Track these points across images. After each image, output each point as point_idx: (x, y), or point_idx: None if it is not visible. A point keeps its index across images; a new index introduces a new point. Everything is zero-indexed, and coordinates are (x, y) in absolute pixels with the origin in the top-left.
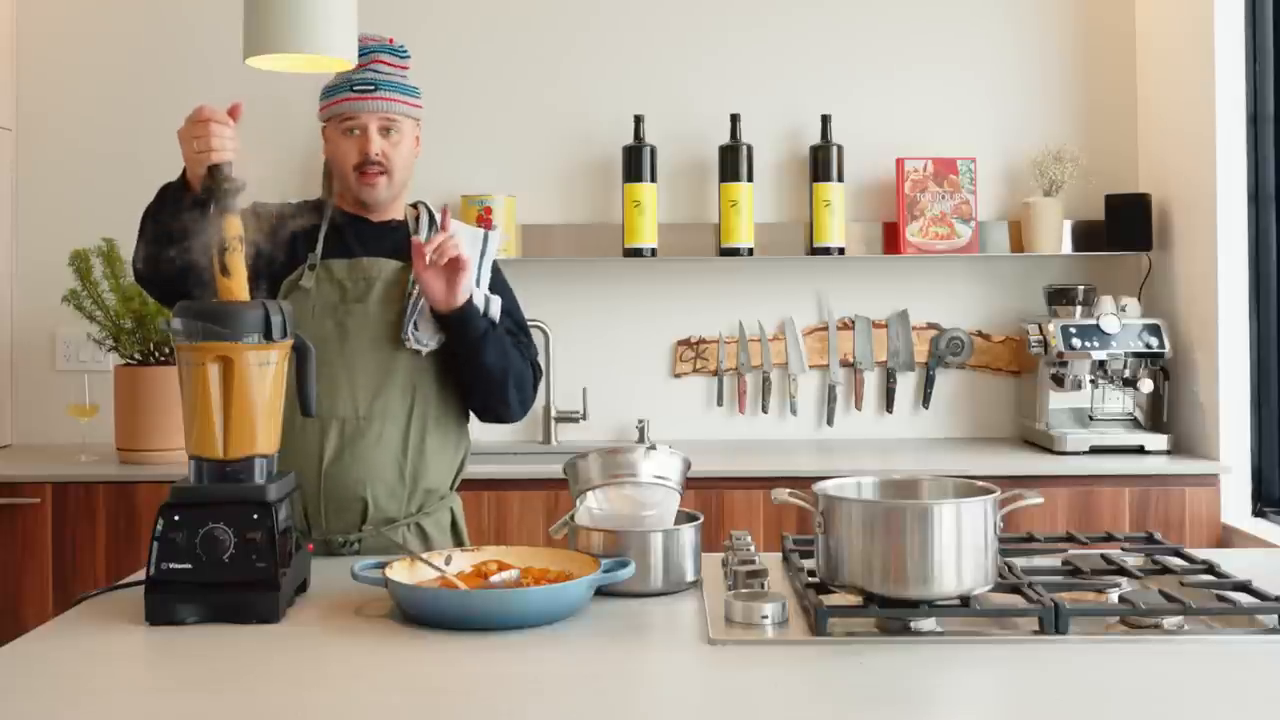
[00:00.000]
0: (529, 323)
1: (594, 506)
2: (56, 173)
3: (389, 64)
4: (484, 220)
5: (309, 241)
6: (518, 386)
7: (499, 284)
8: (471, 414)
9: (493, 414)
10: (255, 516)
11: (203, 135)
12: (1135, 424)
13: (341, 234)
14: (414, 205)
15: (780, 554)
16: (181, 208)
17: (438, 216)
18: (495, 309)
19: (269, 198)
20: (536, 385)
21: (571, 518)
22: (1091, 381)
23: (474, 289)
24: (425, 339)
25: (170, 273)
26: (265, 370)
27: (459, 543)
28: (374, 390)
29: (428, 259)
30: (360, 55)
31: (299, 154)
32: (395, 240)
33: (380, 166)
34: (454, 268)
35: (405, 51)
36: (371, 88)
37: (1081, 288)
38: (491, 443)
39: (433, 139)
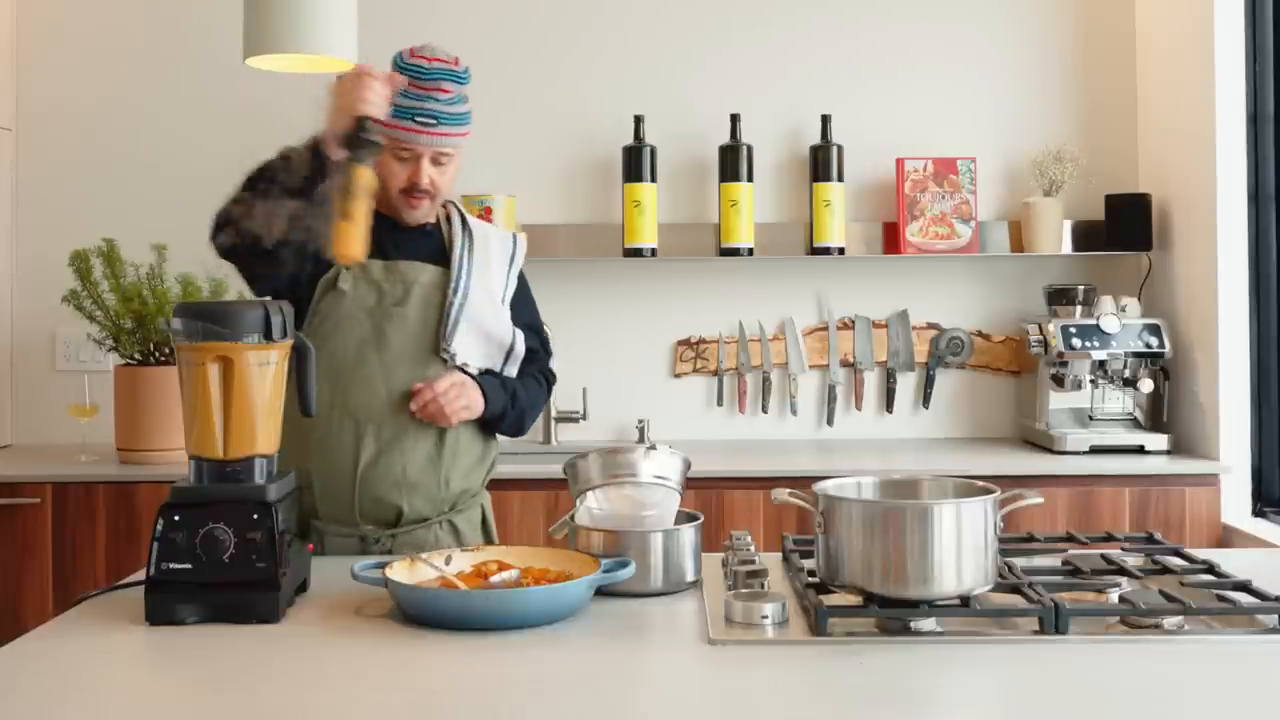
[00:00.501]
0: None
1: (594, 506)
2: (56, 173)
3: (451, 92)
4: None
5: None
6: (532, 418)
7: (522, 295)
8: None
9: (515, 435)
10: (255, 516)
11: (362, 88)
12: (1135, 424)
13: (376, 234)
14: (444, 205)
15: (780, 554)
16: (307, 168)
17: (470, 222)
18: (518, 351)
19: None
20: (550, 393)
21: (572, 518)
22: (1091, 381)
23: (485, 397)
24: (463, 354)
25: (271, 236)
26: (265, 370)
27: (489, 538)
28: (410, 391)
29: (415, 406)
30: (426, 78)
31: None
32: (430, 244)
33: (428, 194)
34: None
35: (467, 76)
36: (433, 122)
37: (1081, 288)
38: None
39: None
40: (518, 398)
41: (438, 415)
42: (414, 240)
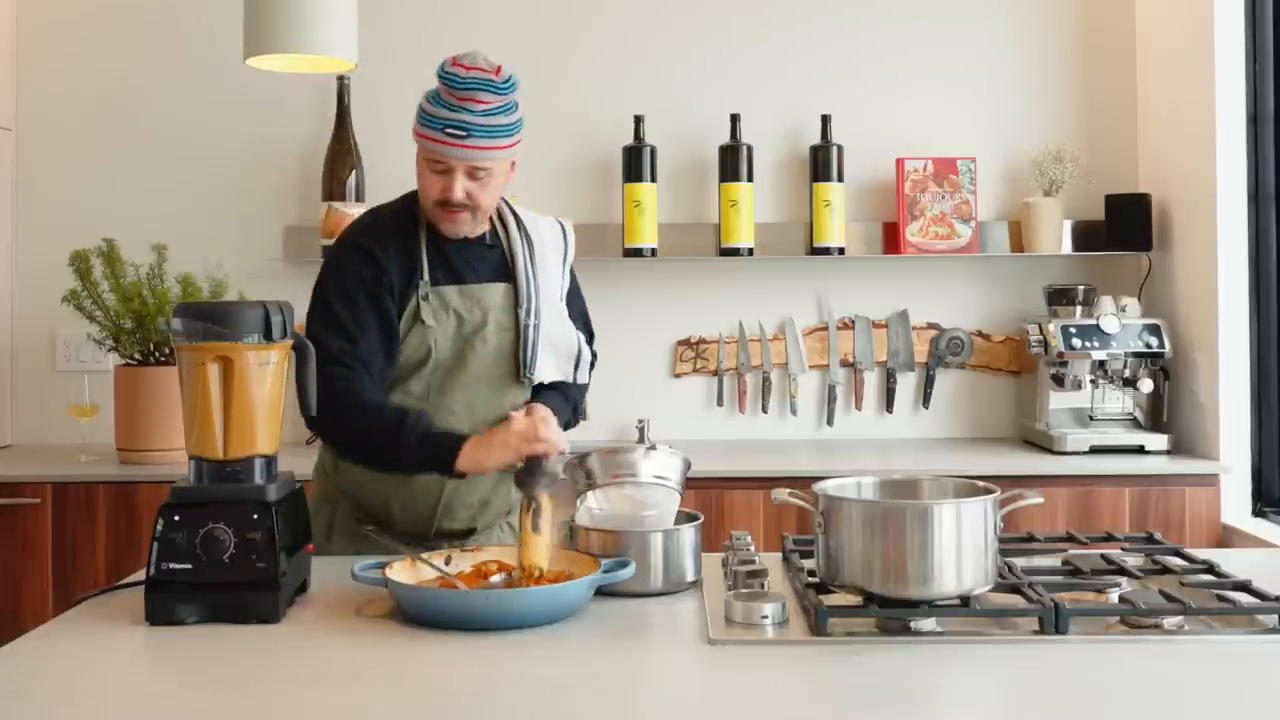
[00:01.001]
0: None
1: (594, 506)
2: (56, 173)
3: (487, 103)
4: None
5: (410, 259)
6: (575, 415)
7: (574, 289)
8: None
9: None
10: (255, 516)
11: (543, 436)
12: (1135, 424)
13: (443, 254)
14: (499, 214)
15: (780, 554)
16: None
17: (523, 222)
18: (585, 357)
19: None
20: (592, 370)
21: (572, 518)
22: (1091, 381)
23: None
24: (540, 374)
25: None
26: (265, 370)
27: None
28: (492, 421)
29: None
30: (459, 89)
31: (297, 154)
32: (495, 258)
33: (463, 207)
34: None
35: (509, 85)
36: (463, 134)
37: (1081, 288)
38: None
39: None
40: (578, 408)
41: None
42: (481, 258)
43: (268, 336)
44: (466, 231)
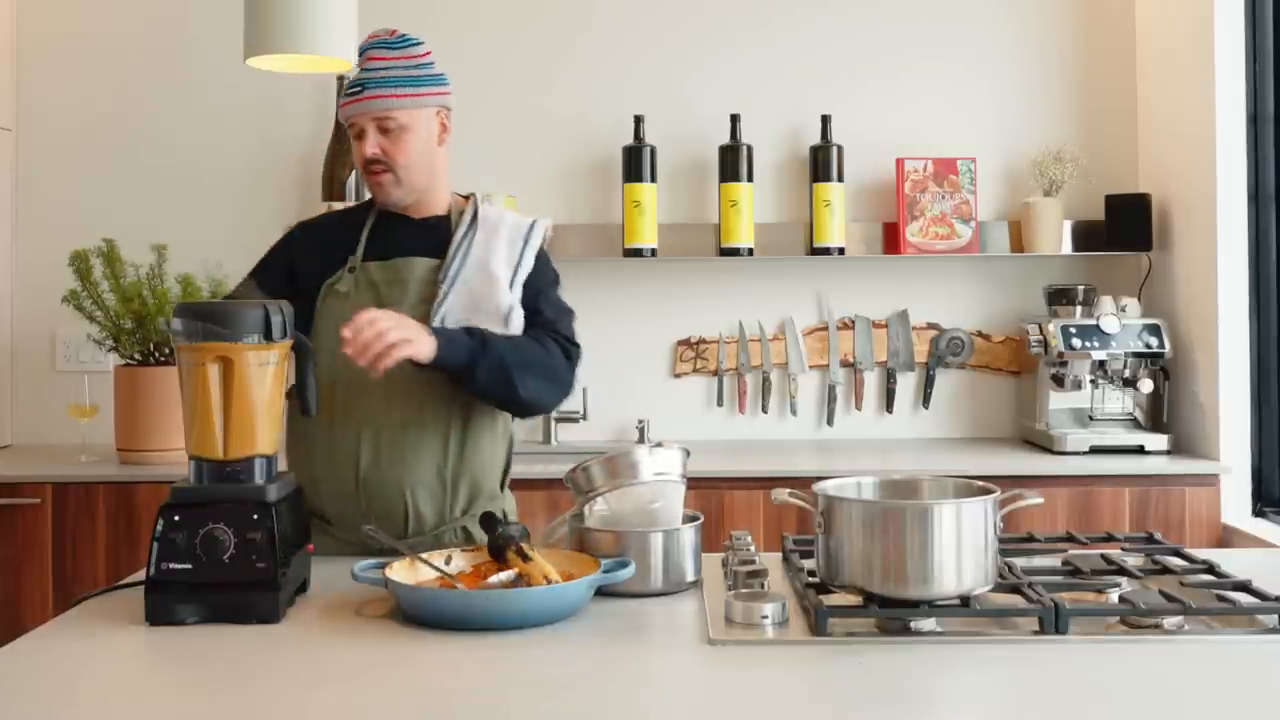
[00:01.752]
0: None
1: (602, 510)
2: (56, 173)
3: (382, 59)
4: None
5: (347, 243)
6: (543, 377)
7: (540, 272)
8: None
9: (519, 412)
10: (255, 517)
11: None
12: (1135, 424)
13: (383, 235)
14: (466, 196)
15: (780, 554)
16: None
17: (485, 214)
18: (517, 318)
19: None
20: (573, 364)
21: (563, 523)
22: (1091, 381)
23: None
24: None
25: None
26: (265, 370)
27: None
28: (410, 395)
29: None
30: (360, 55)
31: (297, 154)
32: (437, 237)
33: (381, 165)
34: (385, 355)
35: (404, 41)
36: (359, 89)
37: (1081, 288)
38: None
39: None
40: (492, 347)
41: (371, 351)
42: (420, 236)
43: (268, 336)
44: (393, 196)
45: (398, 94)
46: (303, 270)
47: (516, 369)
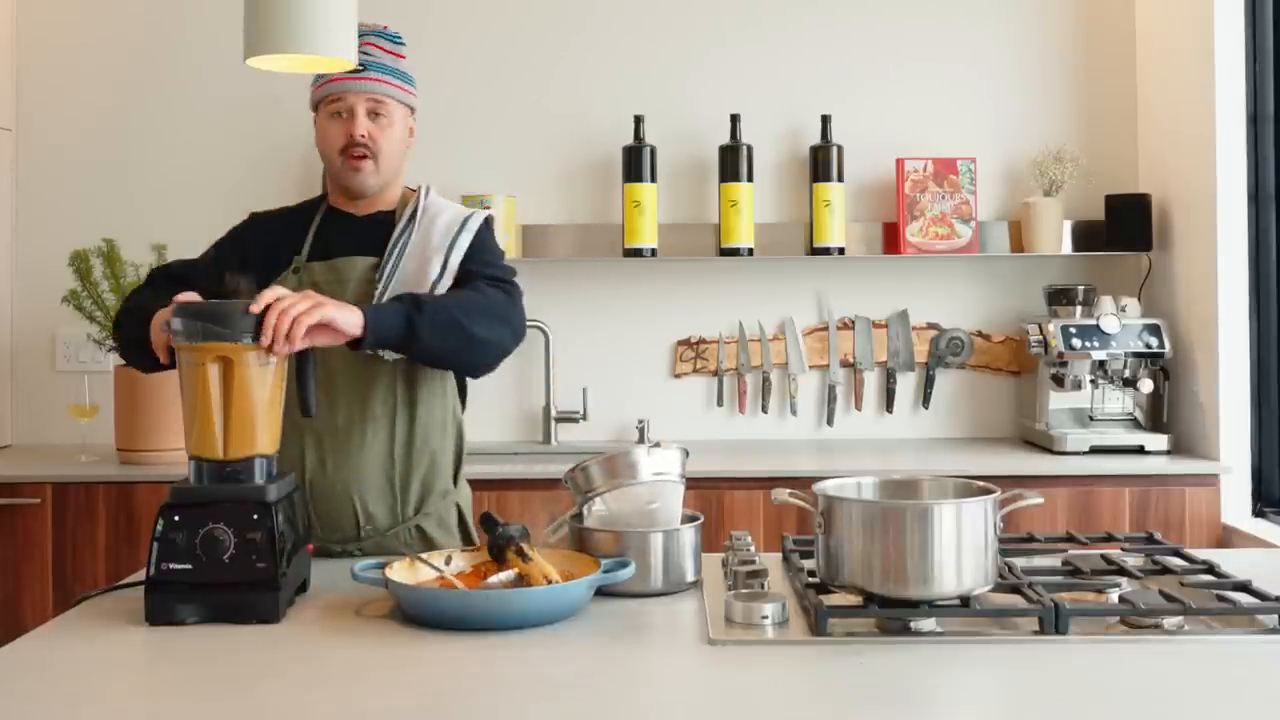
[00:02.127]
0: (529, 323)
1: (601, 510)
2: (56, 173)
3: (381, 48)
4: None
5: (291, 243)
6: (490, 317)
7: (476, 249)
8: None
9: (476, 361)
10: (255, 517)
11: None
12: (1135, 424)
13: (328, 233)
14: (411, 190)
15: (780, 554)
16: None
17: (425, 205)
18: (425, 285)
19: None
20: (514, 300)
21: (563, 523)
22: (1091, 381)
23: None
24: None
25: None
26: (265, 370)
27: (468, 538)
28: (354, 395)
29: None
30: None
31: (298, 154)
32: (379, 235)
33: (366, 150)
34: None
35: (400, 38)
36: (360, 68)
37: (1081, 288)
38: (491, 443)
39: (433, 139)
40: (427, 302)
41: (279, 332)
42: (362, 234)
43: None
44: (370, 184)
45: (395, 84)
46: (252, 263)
47: (460, 312)
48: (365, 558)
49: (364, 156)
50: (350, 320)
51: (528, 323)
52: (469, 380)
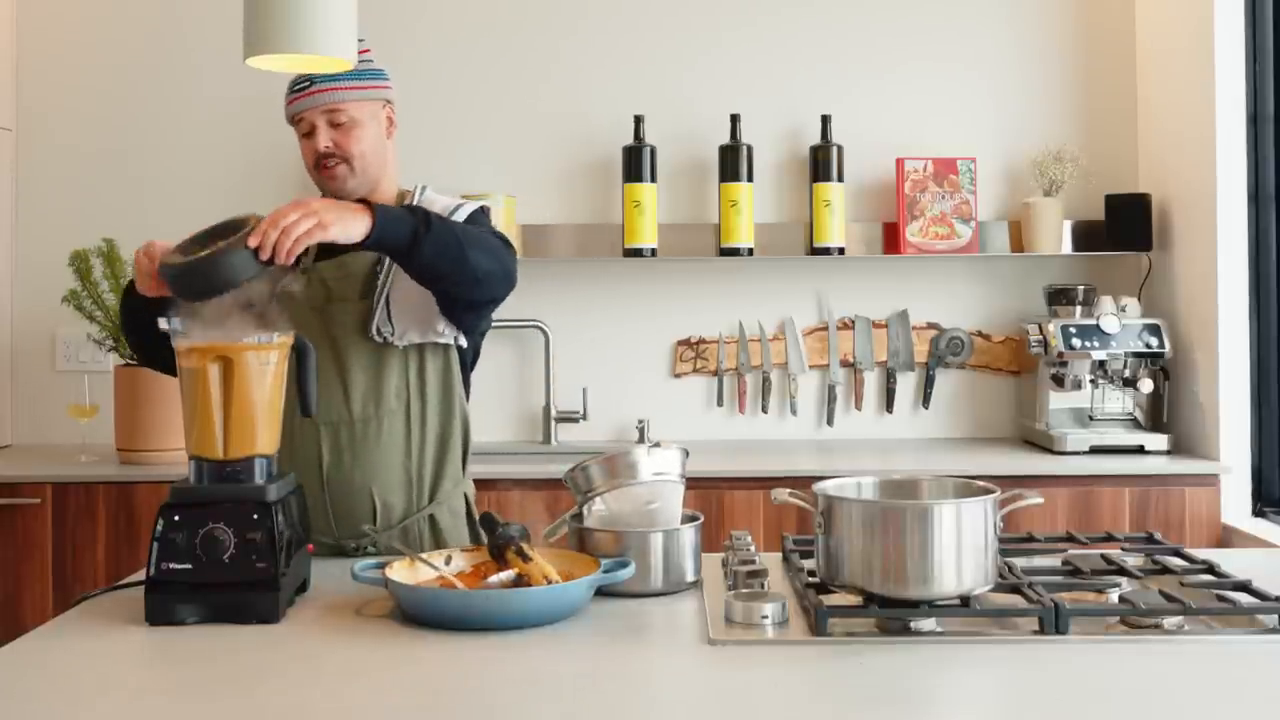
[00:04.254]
0: (529, 322)
1: (601, 510)
2: (56, 173)
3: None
4: None
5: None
6: (490, 254)
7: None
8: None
9: (470, 293)
10: (255, 517)
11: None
12: (1135, 424)
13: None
14: (412, 190)
15: (780, 554)
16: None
17: (417, 198)
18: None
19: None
20: (511, 252)
21: (564, 523)
22: (1091, 381)
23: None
24: (399, 333)
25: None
26: (265, 370)
27: (474, 528)
28: (369, 389)
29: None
30: None
31: (297, 154)
32: None
33: (335, 159)
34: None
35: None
36: (306, 83)
37: (1081, 288)
38: (492, 443)
39: (433, 139)
40: (436, 220)
41: (281, 247)
42: None
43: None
44: (351, 188)
45: (346, 86)
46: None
47: (464, 238)
48: (377, 555)
49: (336, 165)
50: (352, 232)
51: (528, 321)
52: (470, 375)
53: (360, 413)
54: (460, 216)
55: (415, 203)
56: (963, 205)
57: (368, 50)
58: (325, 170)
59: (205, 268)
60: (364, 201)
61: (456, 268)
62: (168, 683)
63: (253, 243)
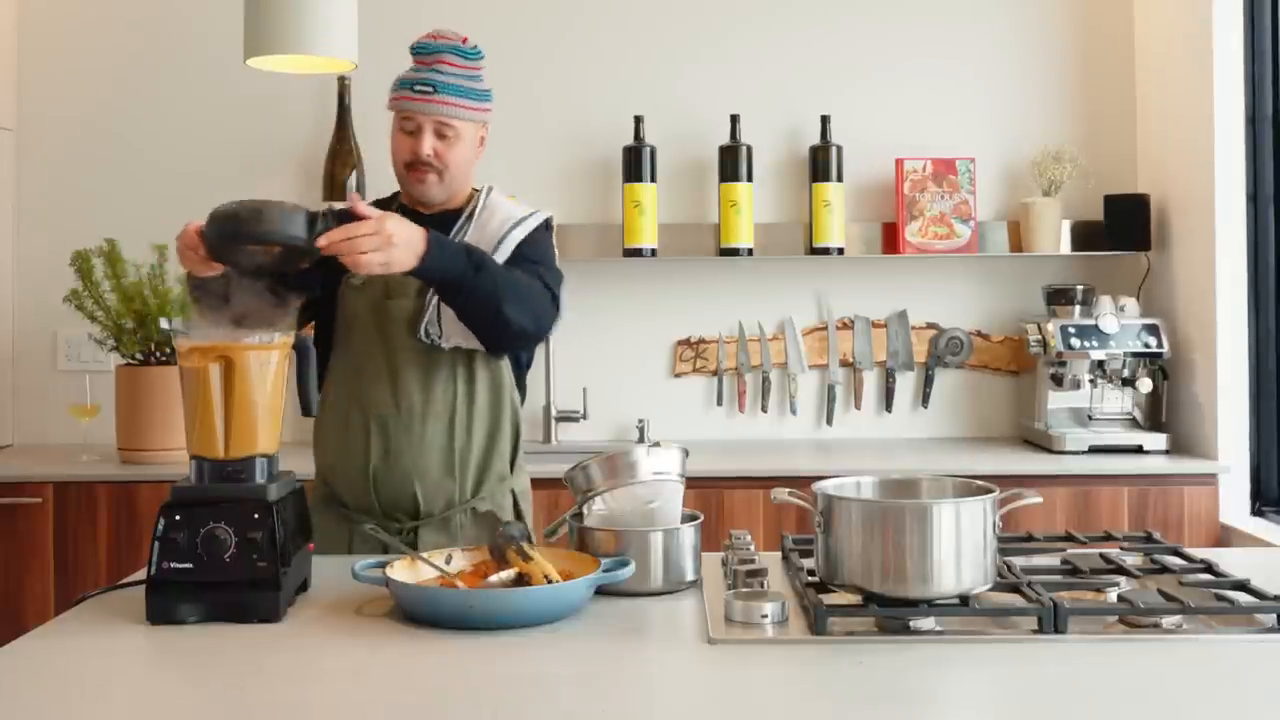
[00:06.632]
0: None
1: (600, 509)
2: (57, 173)
3: (454, 65)
4: None
5: None
6: (520, 309)
7: (529, 247)
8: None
9: (500, 345)
10: (256, 516)
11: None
12: (1134, 424)
13: None
14: (474, 191)
15: (780, 554)
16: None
17: (485, 203)
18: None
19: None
20: (554, 308)
21: (564, 522)
22: (1090, 381)
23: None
24: (446, 336)
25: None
26: (266, 370)
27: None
28: (417, 385)
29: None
30: (428, 54)
31: (299, 155)
32: (444, 232)
33: (430, 167)
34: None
35: (475, 52)
36: (430, 90)
37: (1080, 288)
38: None
39: None
40: (487, 267)
41: (346, 252)
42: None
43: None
44: (435, 195)
45: (464, 105)
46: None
47: (510, 293)
48: (420, 547)
49: (429, 171)
50: (404, 265)
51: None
52: (525, 376)
53: (406, 408)
54: (523, 231)
55: (481, 204)
56: (962, 205)
57: (481, 68)
58: (416, 172)
59: (259, 206)
60: (428, 225)
61: (490, 320)
62: (169, 682)
63: (322, 242)
